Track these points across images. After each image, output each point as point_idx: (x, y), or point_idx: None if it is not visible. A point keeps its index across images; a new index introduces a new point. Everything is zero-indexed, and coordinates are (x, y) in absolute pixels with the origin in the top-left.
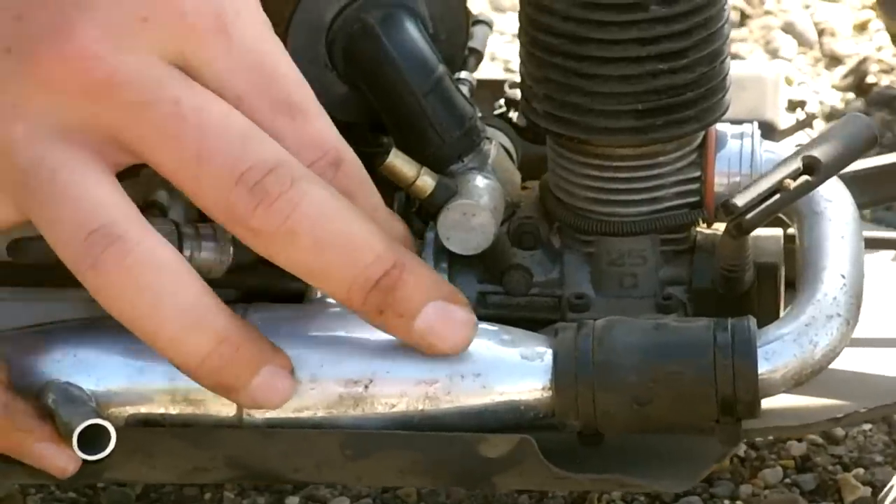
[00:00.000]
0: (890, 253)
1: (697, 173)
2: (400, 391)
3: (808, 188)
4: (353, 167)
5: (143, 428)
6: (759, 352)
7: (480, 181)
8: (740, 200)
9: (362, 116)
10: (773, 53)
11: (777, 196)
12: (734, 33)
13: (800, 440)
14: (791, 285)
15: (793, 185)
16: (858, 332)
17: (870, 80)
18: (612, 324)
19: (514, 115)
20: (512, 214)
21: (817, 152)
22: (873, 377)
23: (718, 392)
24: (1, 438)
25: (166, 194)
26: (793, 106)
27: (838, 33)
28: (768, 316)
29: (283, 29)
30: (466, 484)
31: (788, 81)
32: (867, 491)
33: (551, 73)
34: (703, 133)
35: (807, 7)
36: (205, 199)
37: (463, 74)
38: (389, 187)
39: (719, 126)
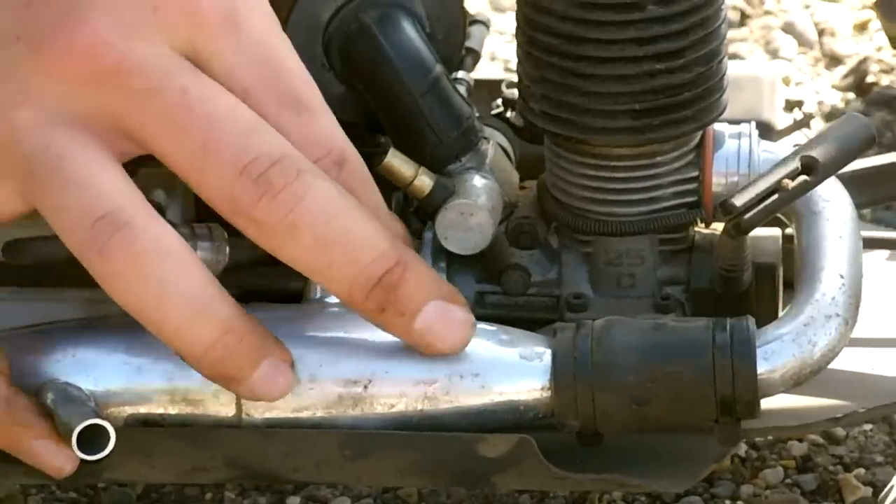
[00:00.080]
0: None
1: (695, 173)
2: (399, 391)
3: (806, 188)
4: (356, 167)
5: (142, 428)
6: (758, 352)
7: (478, 181)
8: (739, 200)
9: (360, 116)
10: (774, 53)
11: (775, 196)
12: (734, 33)
13: (801, 440)
14: (789, 285)
15: (791, 184)
16: (857, 332)
17: (870, 80)
18: (611, 324)
19: (511, 114)
20: (510, 214)
21: (815, 152)
22: (872, 377)
23: (717, 392)
24: (1, 432)
25: (163, 194)
26: (790, 106)
27: (838, 33)
28: (767, 316)
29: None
30: (466, 484)
31: (786, 81)
32: (868, 491)
33: (548, 73)
34: (700, 133)
35: (807, 7)
36: (208, 190)
37: (460, 74)
38: (387, 187)
39: (717, 126)
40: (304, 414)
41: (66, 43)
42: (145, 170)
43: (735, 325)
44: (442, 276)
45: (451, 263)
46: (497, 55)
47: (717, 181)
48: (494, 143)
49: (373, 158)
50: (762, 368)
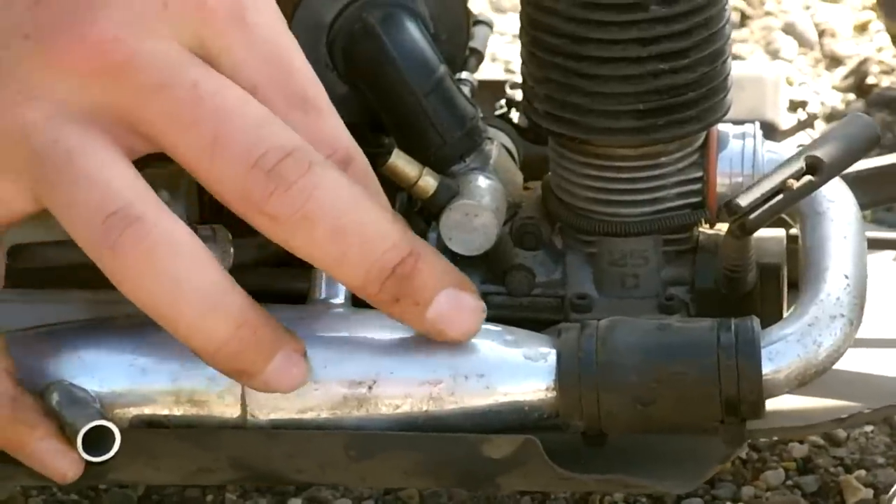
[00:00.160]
0: (892, 253)
1: (699, 173)
2: (404, 392)
3: (811, 188)
4: (362, 167)
5: (147, 429)
6: (763, 352)
7: (482, 182)
8: (744, 201)
9: (363, 116)
10: (774, 54)
11: (780, 196)
12: (734, 34)
13: (801, 442)
14: (794, 286)
15: (796, 185)
16: (862, 333)
17: (870, 80)
18: (616, 324)
19: (515, 115)
20: (514, 215)
21: (820, 152)
22: (877, 378)
23: (722, 392)
24: (5, 432)
25: (168, 195)
26: (794, 106)
27: (839, 34)
28: (771, 316)
29: None
30: (470, 485)
31: (789, 82)
32: (869, 493)
33: (552, 74)
34: (704, 133)
35: (807, 8)
36: (220, 185)
37: (464, 75)
38: (391, 188)
39: (721, 126)
40: (309, 415)
41: (76, 39)
42: (150, 170)
43: (740, 325)
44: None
45: (455, 264)
46: (498, 56)
47: (722, 181)
48: (498, 143)
49: (377, 159)
50: (767, 369)
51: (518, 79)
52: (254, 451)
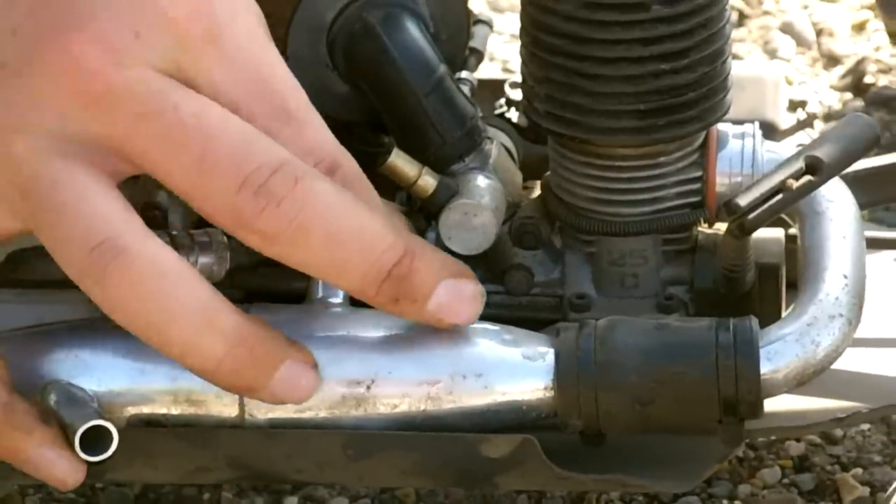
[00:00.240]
0: (891, 253)
1: (699, 173)
2: (402, 391)
3: (810, 188)
4: (349, 170)
5: (145, 428)
6: (762, 352)
7: (482, 181)
8: (743, 200)
9: (363, 116)
10: (772, 53)
11: (780, 196)
12: (733, 33)
13: (798, 440)
14: (793, 285)
15: (795, 185)
16: (860, 333)
17: (868, 80)
18: (614, 324)
19: (514, 114)
20: (513, 214)
21: (819, 152)
22: (876, 378)
23: (721, 392)
24: (1, 440)
25: (166, 195)
26: (793, 106)
27: (836, 33)
28: (770, 316)
29: (283, 29)
30: (468, 484)
31: (788, 81)
32: (865, 491)
33: (553, 74)
34: (704, 133)
35: (805, 7)
36: (211, 207)
37: (464, 74)
38: (391, 187)
39: (721, 126)
40: (307, 414)
41: (53, 71)
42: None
43: (738, 325)
44: None
45: None
46: (496, 55)
47: (721, 181)
48: (498, 143)
49: (376, 158)
50: (765, 369)
51: (516, 78)
52: (252, 450)
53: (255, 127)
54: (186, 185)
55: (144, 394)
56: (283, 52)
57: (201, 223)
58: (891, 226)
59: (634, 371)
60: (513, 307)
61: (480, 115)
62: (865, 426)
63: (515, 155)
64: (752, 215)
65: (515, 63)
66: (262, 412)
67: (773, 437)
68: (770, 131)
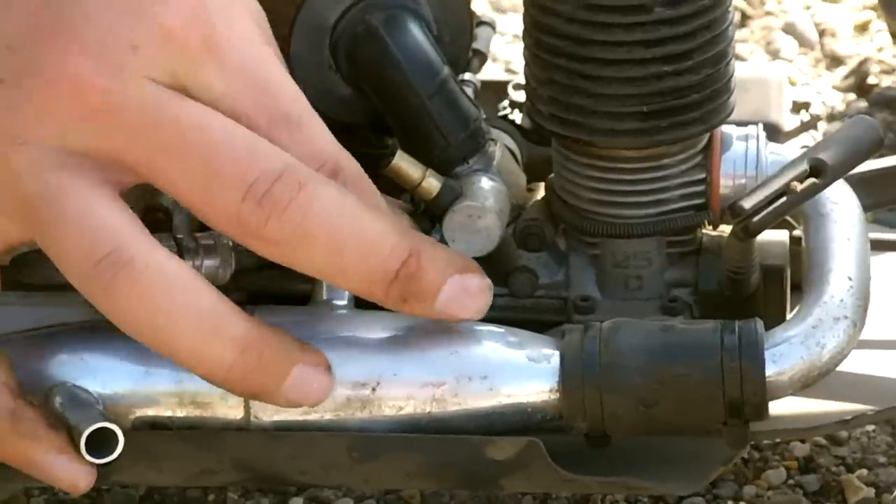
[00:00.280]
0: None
1: (703, 175)
2: (407, 394)
3: (815, 190)
4: (351, 173)
5: (150, 431)
6: (767, 354)
7: (486, 183)
8: (747, 203)
9: (366, 118)
10: (774, 54)
11: (784, 198)
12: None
13: (803, 441)
14: (797, 288)
15: (800, 187)
16: (865, 335)
17: (871, 80)
18: (619, 326)
19: (517, 116)
20: (517, 216)
21: (824, 154)
22: (881, 379)
23: (726, 394)
24: (7, 447)
25: (170, 201)
26: (797, 107)
27: (839, 34)
28: (775, 318)
29: (286, 31)
30: (473, 487)
31: (792, 82)
32: (871, 492)
33: (556, 75)
34: (708, 135)
35: (808, 8)
36: (215, 217)
37: (467, 76)
38: (395, 189)
39: (724, 128)
40: (313, 416)
41: (52, 86)
42: None
43: (743, 327)
44: None
45: None
46: (498, 56)
47: (725, 183)
48: (502, 145)
49: (380, 160)
50: (770, 371)
51: (520, 79)
52: (257, 452)
53: (256, 133)
54: (190, 195)
55: (149, 396)
56: (286, 52)
57: (205, 225)
58: (895, 227)
59: (639, 373)
60: (517, 309)
61: (484, 116)
62: (871, 427)
63: (519, 157)
64: (756, 218)
65: (518, 64)
66: (267, 414)
67: (778, 440)
68: (774, 133)
